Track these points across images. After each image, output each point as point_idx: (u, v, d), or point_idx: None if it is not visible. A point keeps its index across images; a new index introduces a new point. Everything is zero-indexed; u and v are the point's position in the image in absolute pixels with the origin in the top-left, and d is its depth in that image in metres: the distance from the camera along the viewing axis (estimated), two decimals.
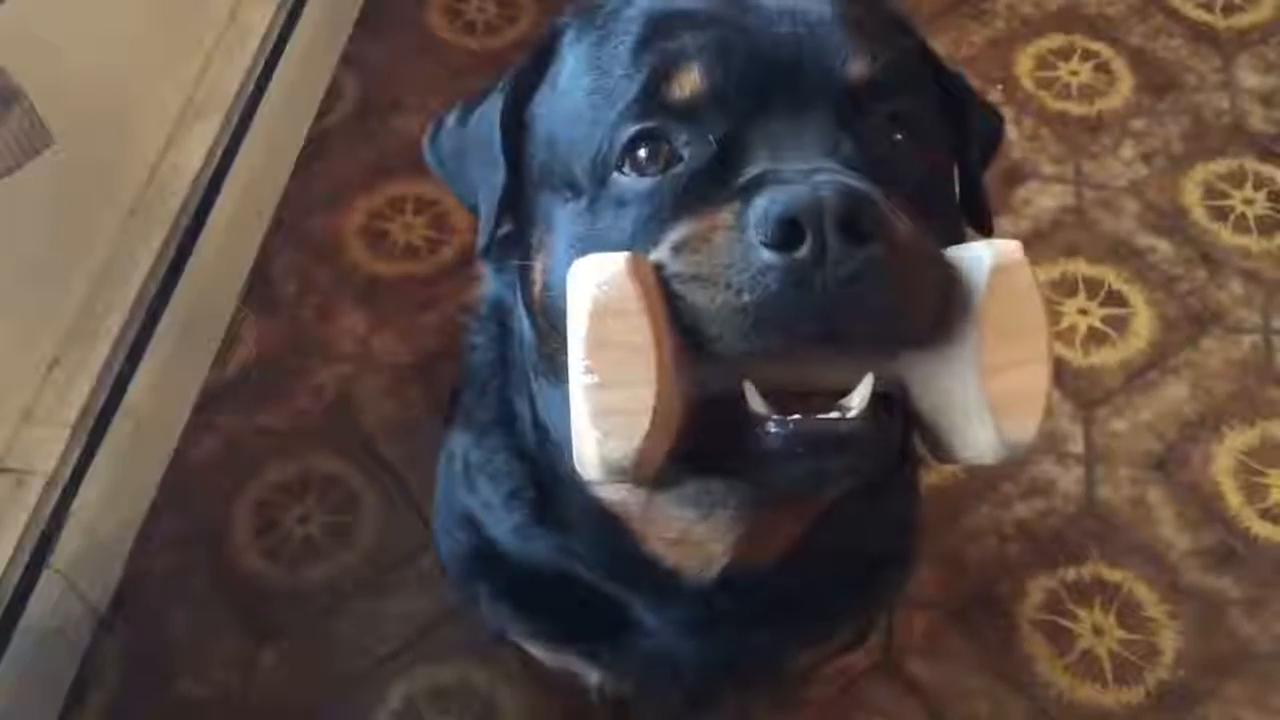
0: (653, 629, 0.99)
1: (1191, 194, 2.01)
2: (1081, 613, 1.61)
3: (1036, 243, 1.94)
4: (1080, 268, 1.92)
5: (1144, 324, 1.87)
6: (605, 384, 0.64)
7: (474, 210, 0.89)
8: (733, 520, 0.85)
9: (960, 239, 0.80)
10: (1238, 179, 2.03)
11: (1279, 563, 1.65)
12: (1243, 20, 2.25)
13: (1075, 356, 1.83)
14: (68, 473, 1.52)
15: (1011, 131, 2.07)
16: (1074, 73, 2.18)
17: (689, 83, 0.73)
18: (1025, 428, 0.66)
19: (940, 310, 0.67)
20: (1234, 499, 1.70)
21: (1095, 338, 1.85)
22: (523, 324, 0.90)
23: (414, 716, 1.54)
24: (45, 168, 1.24)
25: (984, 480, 1.71)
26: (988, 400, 0.66)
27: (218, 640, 1.59)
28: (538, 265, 0.81)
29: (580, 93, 0.79)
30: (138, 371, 1.64)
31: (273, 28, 1.94)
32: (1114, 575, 1.64)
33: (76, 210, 1.60)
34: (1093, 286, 1.90)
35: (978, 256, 0.68)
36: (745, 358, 0.66)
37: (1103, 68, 2.18)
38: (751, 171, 0.70)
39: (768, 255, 0.64)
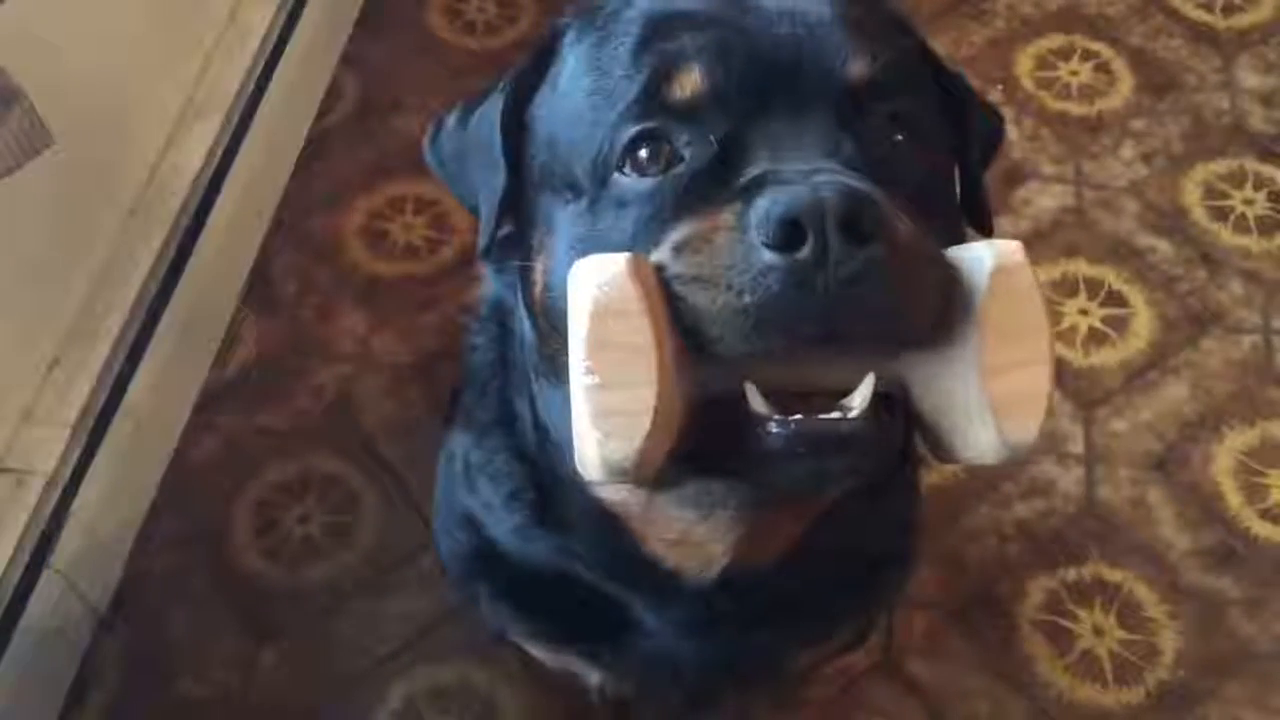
0: (653, 629, 0.99)
1: (1191, 194, 2.01)
2: (1081, 613, 1.61)
3: (1037, 243, 1.94)
4: (1080, 268, 1.92)
5: (1144, 324, 1.87)
6: (606, 385, 0.64)
7: (474, 211, 0.89)
8: (733, 521, 0.85)
9: (961, 239, 0.80)
10: (1238, 179, 2.03)
11: (1279, 563, 1.65)
12: (1243, 20, 2.25)
13: (1075, 357, 1.83)
14: (68, 473, 1.52)
15: (1011, 131, 2.07)
16: (1074, 73, 2.18)
17: (689, 83, 0.73)
18: (1026, 428, 0.66)
19: (941, 311, 0.67)
20: (1234, 499, 1.70)
21: (1095, 338, 1.85)
22: (523, 325, 0.90)
23: (414, 716, 1.54)
24: (45, 168, 1.24)
25: (984, 480, 1.71)
26: (989, 401, 0.66)
27: (218, 640, 1.59)
28: (538, 266, 0.81)
29: (581, 93, 0.79)
30: (138, 371, 1.64)
31: (273, 28, 1.94)
32: (1114, 575, 1.64)
33: (76, 210, 1.60)
34: (1093, 287, 1.90)
35: (978, 257, 0.68)
36: (746, 358, 0.66)
37: (1103, 68, 2.18)
38: (752, 172, 0.70)
39: (769, 256, 0.64)
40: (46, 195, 1.50)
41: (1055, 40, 2.22)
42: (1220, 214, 1.99)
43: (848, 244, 0.63)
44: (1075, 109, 2.13)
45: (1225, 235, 1.96)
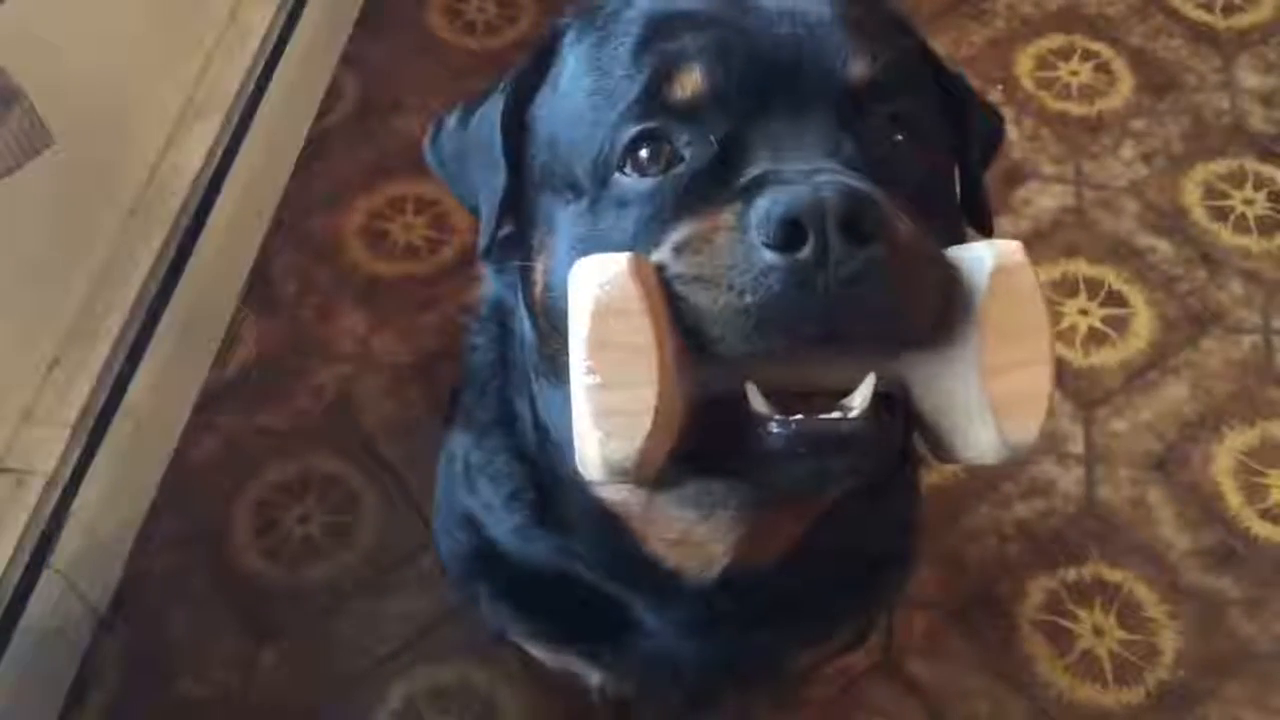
0: (653, 629, 0.99)
1: (1191, 194, 2.01)
2: (1081, 613, 1.61)
3: (1037, 243, 1.94)
4: (1080, 268, 1.93)
5: (1144, 324, 1.87)
6: (607, 384, 0.64)
7: (475, 211, 0.89)
8: (734, 521, 0.85)
9: (961, 239, 0.80)
10: (1238, 179, 2.03)
11: (1279, 563, 1.65)
12: (1243, 20, 2.25)
13: (1075, 357, 1.83)
14: (68, 473, 1.52)
15: (1012, 131, 2.07)
16: (1074, 73, 2.18)
17: (690, 83, 0.73)
18: (1027, 428, 0.66)
19: (942, 311, 0.67)
20: (1234, 499, 1.70)
21: (1095, 338, 1.85)
22: (524, 325, 0.90)
23: (414, 716, 1.54)
24: (45, 168, 1.24)
25: (984, 480, 1.71)
26: (989, 401, 0.66)
27: (218, 640, 1.59)
28: (539, 266, 0.81)
29: (581, 93, 0.79)
30: (138, 371, 1.64)
31: (273, 28, 1.94)
32: (1114, 575, 1.64)
33: (76, 210, 1.60)
34: (1093, 287, 1.90)
35: (979, 257, 0.68)
36: (747, 358, 0.66)
37: (1103, 68, 2.18)
38: (753, 172, 0.70)
39: (770, 256, 0.64)
40: (46, 195, 1.50)
41: (1055, 40, 2.22)
42: (1220, 214, 1.99)
43: (848, 244, 0.63)
44: (1075, 109, 2.13)
45: (1225, 235, 1.96)
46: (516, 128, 0.85)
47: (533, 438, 0.94)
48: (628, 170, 0.74)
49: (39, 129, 1.19)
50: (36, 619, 1.47)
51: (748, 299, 0.64)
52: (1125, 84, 2.16)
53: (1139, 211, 1.99)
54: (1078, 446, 1.74)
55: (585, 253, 0.68)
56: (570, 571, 0.98)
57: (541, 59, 0.85)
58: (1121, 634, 1.59)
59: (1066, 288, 1.90)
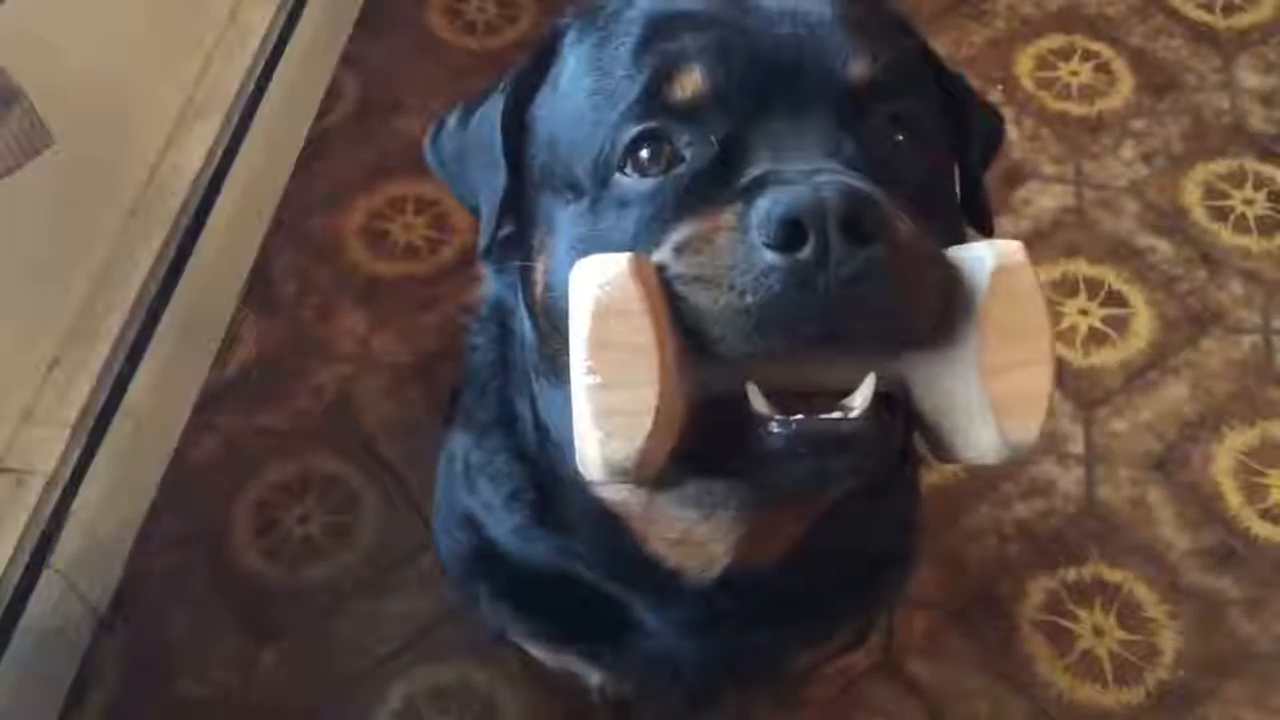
0: (653, 629, 0.99)
1: (1191, 194, 2.01)
2: (1081, 613, 1.61)
3: (1037, 243, 1.94)
4: (1080, 268, 1.93)
5: (1144, 324, 1.87)
6: (607, 385, 0.64)
7: (475, 211, 0.89)
8: (734, 520, 0.85)
9: (961, 239, 0.80)
10: (1238, 179, 2.03)
11: (1279, 563, 1.65)
12: (1243, 20, 2.25)
13: (1075, 357, 1.83)
14: (68, 473, 1.52)
15: (1012, 132, 2.07)
16: (1074, 73, 2.18)
17: (690, 83, 0.73)
18: (1028, 428, 0.66)
19: (942, 311, 0.67)
20: (1234, 499, 1.70)
21: (1095, 338, 1.85)
22: (524, 325, 0.90)
23: (414, 716, 1.54)
24: (45, 168, 1.24)
25: (984, 480, 1.71)
26: (990, 401, 0.66)
27: (218, 640, 1.59)
28: (539, 266, 0.81)
29: (581, 94, 0.79)
30: (138, 371, 1.64)
31: (273, 28, 1.94)
32: (1114, 575, 1.64)
33: (76, 210, 1.60)
34: (1093, 287, 1.90)
35: (979, 257, 0.68)
36: (748, 358, 0.66)
37: (1103, 68, 2.18)
38: (753, 172, 0.70)
39: (770, 256, 0.64)
40: (46, 195, 1.50)
41: (1055, 40, 2.22)
42: (1220, 214, 1.99)
43: (849, 244, 0.63)
44: (1075, 109, 2.13)
45: (1225, 235, 1.97)
46: (517, 128, 0.85)
47: (533, 438, 0.94)
48: (628, 170, 0.74)
49: (39, 129, 1.19)
50: (36, 619, 1.47)
51: (748, 299, 0.64)
52: (1125, 84, 2.16)
53: (1139, 211, 1.99)
54: (1078, 446, 1.74)
55: (585, 253, 0.68)
56: (570, 571, 0.98)
57: (542, 59, 0.85)
58: (1121, 634, 1.59)
59: (1066, 288, 1.90)
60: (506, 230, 0.88)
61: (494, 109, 0.86)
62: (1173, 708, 1.54)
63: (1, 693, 1.43)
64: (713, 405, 0.67)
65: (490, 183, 0.86)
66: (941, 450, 0.71)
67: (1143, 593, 1.62)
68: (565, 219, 0.78)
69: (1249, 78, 2.17)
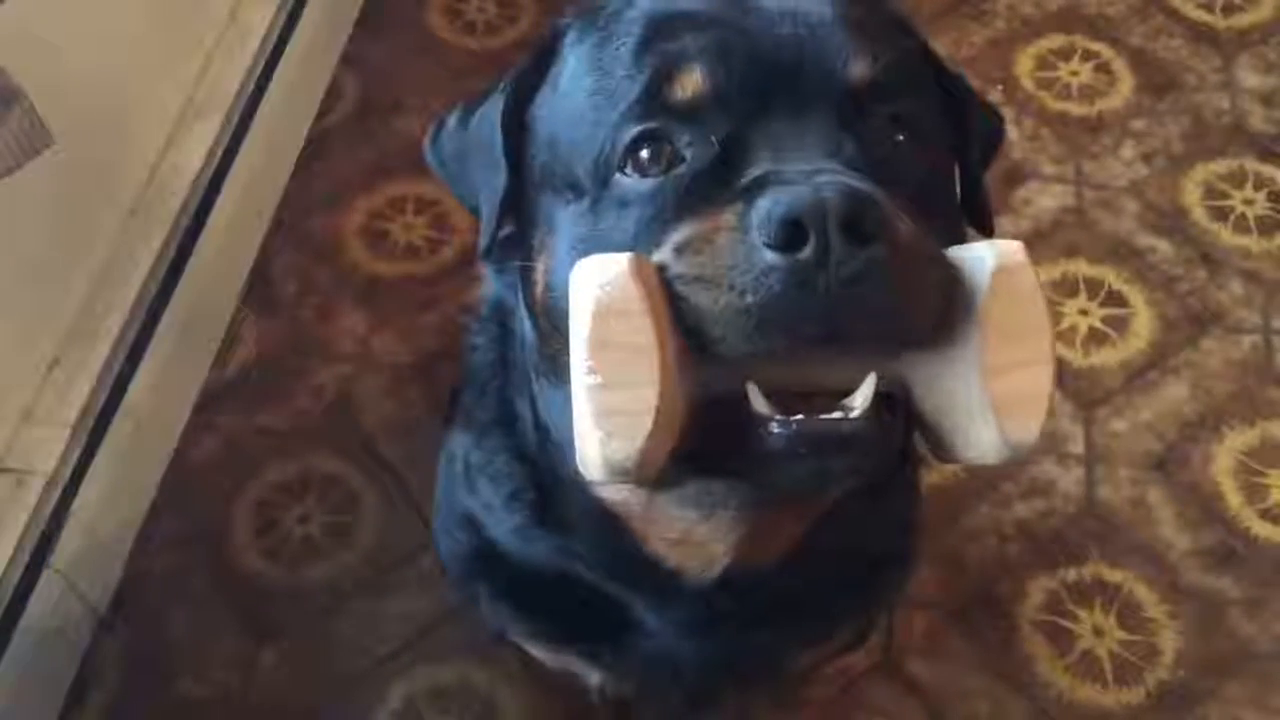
0: (653, 629, 0.99)
1: (1191, 194, 2.01)
2: (1081, 613, 1.61)
3: (1037, 243, 1.94)
4: (1080, 268, 1.93)
5: (1144, 324, 1.87)
6: (608, 384, 0.64)
7: (475, 211, 0.89)
8: (734, 520, 0.85)
9: (961, 239, 0.80)
10: (1238, 179, 2.03)
11: (1279, 563, 1.65)
12: (1243, 20, 2.25)
13: (1075, 357, 1.83)
14: (68, 473, 1.52)
15: (1012, 132, 2.07)
16: (1074, 73, 2.18)
17: (691, 83, 0.73)
18: (1028, 428, 0.66)
19: (943, 311, 0.67)
20: (1234, 499, 1.70)
21: (1095, 338, 1.85)
22: (524, 325, 0.90)
23: (414, 716, 1.54)
24: (45, 168, 1.24)
25: (984, 480, 1.71)
26: (990, 401, 0.66)
27: (218, 640, 1.59)
28: (539, 266, 0.81)
29: (582, 94, 0.79)
30: (138, 371, 1.64)
31: (273, 28, 1.94)
32: (1114, 575, 1.64)
33: (76, 210, 1.60)
34: (1093, 287, 1.90)
35: (980, 257, 0.68)
36: (748, 358, 0.66)
37: (1103, 68, 2.18)
38: (754, 172, 0.70)
39: (771, 256, 0.64)
40: (46, 195, 1.50)
41: (1055, 40, 2.22)
42: (1220, 214, 1.99)
43: (849, 244, 0.63)
44: (1075, 109, 2.13)
45: (1225, 235, 1.97)
46: (517, 128, 0.85)
47: (533, 438, 0.94)
48: (629, 170, 0.74)
49: (39, 129, 1.19)
50: (36, 619, 1.47)
51: (749, 299, 0.64)
52: (1125, 84, 2.16)
53: (1139, 211, 1.99)
54: (1078, 446, 1.74)
55: (586, 253, 0.68)
56: (570, 571, 0.98)
57: (542, 59, 0.85)
58: (1121, 634, 1.59)
59: (1066, 288, 1.90)
60: (507, 230, 0.88)
61: (494, 109, 0.86)
62: (1173, 708, 1.54)
63: (1, 693, 1.43)
64: (713, 405, 0.67)
65: (490, 183, 0.86)
66: (942, 450, 0.71)
67: (1143, 593, 1.62)
68: (565, 219, 0.78)
69: (1249, 78, 2.17)
